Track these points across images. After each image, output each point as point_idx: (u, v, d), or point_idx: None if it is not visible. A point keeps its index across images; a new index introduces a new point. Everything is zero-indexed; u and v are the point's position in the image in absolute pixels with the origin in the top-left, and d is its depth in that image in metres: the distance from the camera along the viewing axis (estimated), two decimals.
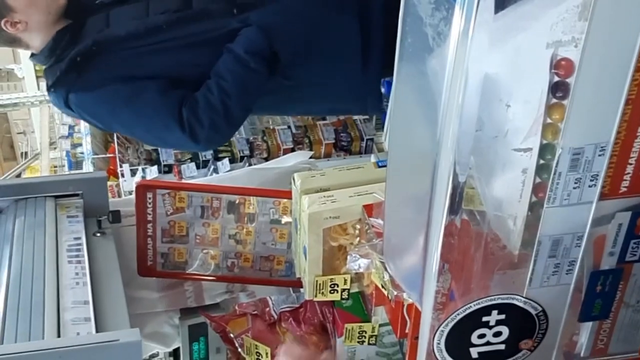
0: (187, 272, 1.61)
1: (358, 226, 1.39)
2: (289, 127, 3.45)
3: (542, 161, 0.70)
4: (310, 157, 3.47)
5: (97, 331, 1.22)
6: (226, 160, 3.36)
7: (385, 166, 1.42)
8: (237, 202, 1.53)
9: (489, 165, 0.76)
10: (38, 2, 1.72)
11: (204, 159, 3.40)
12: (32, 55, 1.85)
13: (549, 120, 0.68)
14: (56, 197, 1.60)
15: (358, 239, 1.39)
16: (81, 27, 1.76)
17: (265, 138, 3.44)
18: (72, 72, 1.70)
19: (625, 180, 0.72)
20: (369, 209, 1.36)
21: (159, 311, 1.73)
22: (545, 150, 0.70)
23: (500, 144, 0.71)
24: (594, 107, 0.67)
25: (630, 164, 0.71)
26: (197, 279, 1.63)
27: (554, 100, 0.68)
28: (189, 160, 3.39)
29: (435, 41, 0.73)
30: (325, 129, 3.47)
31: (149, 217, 1.53)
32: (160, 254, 1.58)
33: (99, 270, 1.47)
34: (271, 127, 3.47)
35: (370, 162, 1.49)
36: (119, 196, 3.52)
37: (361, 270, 1.21)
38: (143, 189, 1.50)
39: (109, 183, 3.62)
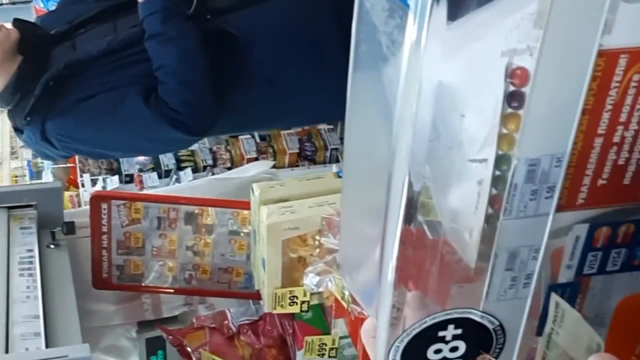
0: (143, 284, 1.57)
1: (318, 237, 1.37)
2: (253, 136, 3.43)
3: (497, 172, 0.69)
4: (274, 167, 3.47)
5: (47, 346, 1.19)
6: (189, 170, 3.33)
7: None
8: (194, 213, 1.50)
9: (444, 176, 0.74)
10: None
11: (166, 168, 3.36)
12: None
13: (504, 131, 0.66)
14: (9, 207, 1.56)
15: (318, 250, 1.37)
16: (45, 59, 1.72)
17: (228, 147, 3.41)
18: (46, 98, 1.66)
19: (582, 191, 0.71)
20: (328, 220, 1.34)
21: (115, 324, 1.70)
22: (501, 161, 0.68)
23: (455, 154, 0.69)
24: (549, 117, 0.66)
25: (587, 175, 0.70)
26: (154, 292, 1.60)
27: (509, 110, 0.66)
28: (150, 170, 3.36)
29: (389, 49, 0.71)
30: (290, 139, 3.46)
31: (104, 229, 1.49)
32: (115, 266, 1.55)
33: (52, 284, 1.44)
34: (235, 136, 3.45)
35: (331, 173, 1.47)
36: (79, 206, 3.48)
37: (320, 289, 1.19)
38: (97, 199, 1.47)
39: (69, 193, 3.57)
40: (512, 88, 0.64)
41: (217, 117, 1.66)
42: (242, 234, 1.53)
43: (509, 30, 0.61)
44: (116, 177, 3.32)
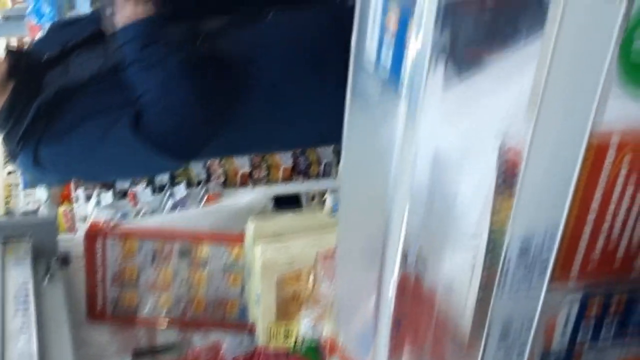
0: (138, 316, 1.58)
1: (312, 273, 1.38)
2: None
3: (491, 247, 0.69)
4: (268, 182, 3.47)
5: None
6: (182, 185, 3.33)
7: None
8: (189, 247, 1.50)
9: (439, 248, 0.75)
10: None
11: (160, 184, 3.36)
12: None
13: (498, 208, 0.67)
14: (4, 241, 1.56)
15: (312, 285, 1.38)
16: (38, 84, 1.71)
17: (222, 162, 3.41)
18: (38, 123, 1.65)
19: (576, 265, 0.71)
20: (322, 257, 1.34)
21: (111, 353, 1.70)
22: (495, 236, 0.68)
23: (450, 229, 0.70)
24: (542, 195, 0.66)
25: (580, 250, 0.71)
26: (149, 324, 1.60)
27: (503, 188, 0.66)
28: (144, 185, 3.35)
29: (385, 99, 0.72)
30: (283, 153, 3.45)
31: (99, 263, 1.50)
32: (110, 299, 1.55)
33: (47, 318, 1.44)
34: None
35: (325, 210, 1.48)
36: (73, 221, 3.47)
37: (316, 336, 1.19)
38: (92, 235, 1.47)
39: (63, 208, 3.57)
40: (505, 167, 0.65)
41: (205, 141, 1.64)
42: (236, 268, 1.53)
43: (502, 114, 0.62)
44: (110, 193, 3.32)
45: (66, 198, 3.44)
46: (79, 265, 1.58)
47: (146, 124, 1.59)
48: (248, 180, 3.43)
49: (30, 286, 1.46)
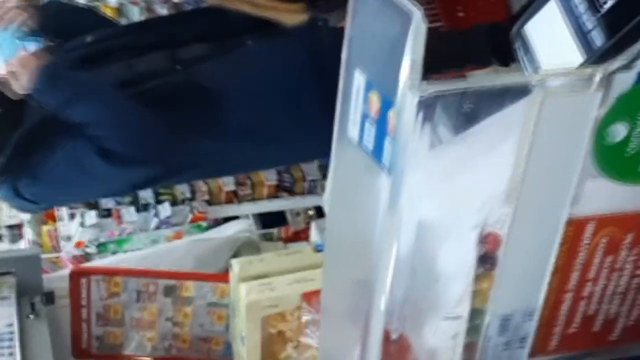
0: (123, 353, 1.58)
1: (297, 313, 1.39)
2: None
3: (472, 324, 0.70)
4: (252, 199, 3.47)
5: None
6: (167, 204, 3.32)
7: (322, 250, 1.42)
8: (173, 285, 1.51)
9: (419, 328, 0.76)
10: None
11: (144, 202, 3.35)
12: None
13: (478, 288, 0.68)
14: None
15: (297, 324, 1.39)
16: (20, 115, 1.72)
17: (207, 180, 3.40)
18: (19, 155, 1.65)
19: (554, 339, 0.73)
20: (307, 297, 1.35)
21: None
22: (475, 314, 0.70)
23: (430, 312, 0.71)
24: (521, 276, 0.68)
25: (558, 326, 0.72)
26: None
27: (482, 270, 0.68)
28: (128, 204, 3.35)
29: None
30: (268, 170, 3.45)
31: (83, 302, 1.50)
32: (95, 337, 1.56)
33: (32, 356, 1.44)
34: None
35: (309, 248, 1.49)
36: (57, 241, 3.46)
37: None
38: (77, 275, 1.48)
39: (47, 227, 3.55)
40: (484, 251, 0.66)
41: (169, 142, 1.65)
42: (220, 305, 1.54)
43: (480, 207, 0.63)
44: (94, 212, 3.31)
45: (50, 217, 3.43)
46: (64, 302, 1.58)
47: (110, 150, 1.60)
48: (233, 198, 3.43)
49: (15, 326, 1.47)
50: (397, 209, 0.69)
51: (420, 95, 0.58)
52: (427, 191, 0.69)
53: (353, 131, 0.71)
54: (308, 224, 3.46)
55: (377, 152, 0.71)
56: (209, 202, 3.43)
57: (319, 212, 3.38)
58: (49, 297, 1.57)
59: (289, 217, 3.56)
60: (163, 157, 1.71)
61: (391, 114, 0.67)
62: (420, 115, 0.62)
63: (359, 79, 0.69)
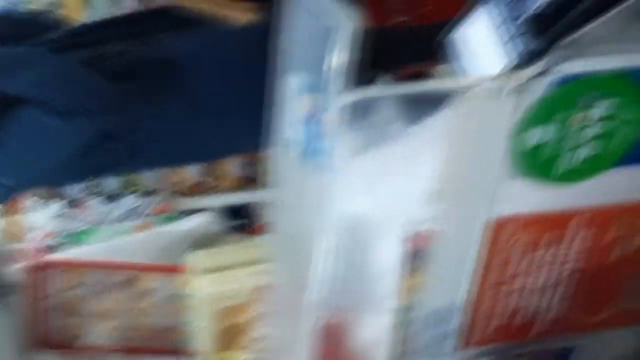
0: (83, 344, 1.60)
1: (253, 306, 1.41)
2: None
3: (401, 319, 0.74)
4: (217, 191, 3.47)
5: None
6: (133, 195, 3.32)
7: None
8: (133, 277, 1.53)
9: (353, 321, 0.79)
10: None
11: (110, 193, 3.35)
12: None
13: (407, 284, 0.72)
14: None
15: (254, 317, 1.41)
16: None
17: (171, 172, 3.40)
18: None
19: (479, 333, 0.76)
20: (262, 290, 1.37)
21: None
22: (404, 309, 0.73)
23: (362, 305, 0.74)
24: (447, 273, 0.71)
25: (483, 320, 0.76)
26: (94, 351, 1.62)
27: (411, 267, 0.71)
28: (95, 195, 3.34)
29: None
30: (234, 162, 3.46)
31: (43, 294, 1.51)
32: (55, 329, 1.57)
33: None
34: None
35: (267, 239, 1.50)
36: (22, 232, 3.44)
37: None
38: (36, 267, 1.49)
39: (11, 218, 3.54)
40: (413, 248, 0.69)
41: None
42: (180, 297, 1.56)
43: (407, 208, 0.66)
44: (59, 203, 3.30)
45: (15, 208, 3.41)
46: (24, 294, 1.59)
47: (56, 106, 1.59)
48: (198, 189, 3.44)
49: None
50: (330, 207, 0.72)
51: (344, 100, 0.61)
52: (357, 191, 0.72)
53: (288, 132, 0.74)
54: None
55: (311, 153, 0.74)
56: (175, 194, 3.44)
57: None
58: (9, 289, 1.58)
59: (255, 208, 3.58)
60: (114, 114, 1.68)
61: (324, 116, 0.70)
62: (348, 118, 0.64)
63: (292, 81, 0.72)
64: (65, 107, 1.62)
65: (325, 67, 0.67)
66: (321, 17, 0.66)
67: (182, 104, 1.76)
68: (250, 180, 3.42)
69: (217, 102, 1.81)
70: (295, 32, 0.70)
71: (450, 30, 0.76)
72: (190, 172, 3.25)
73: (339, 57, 0.64)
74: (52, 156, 1.83)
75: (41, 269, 1.50)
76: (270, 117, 0.78)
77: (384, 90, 0.63)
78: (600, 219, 0.72)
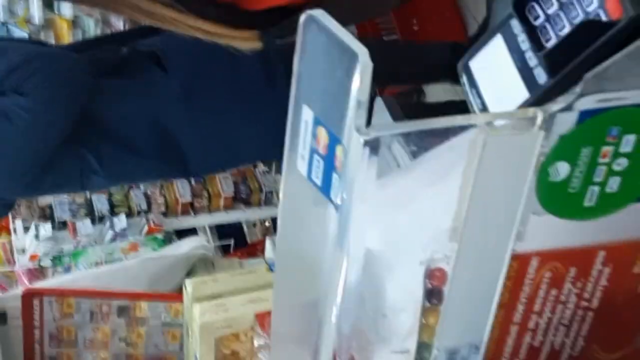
0: None
1: (251, 334, 1.38)
2: (188, 180, 3.41)
3: (419, 358, 0.71)
4: (209, 211, 3.45)
5: None
6: (122, 216, 3.30)
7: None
8: (127, 306, 1.50)
9: (371, 350, 0.76)
10: None
11: (99, 214, 3.33)
12: None
13: (425, 323, 0.69)
14: None
15: (251, 345, 1.39)
16: None
17: (163, 192, 3.39)
18: None
19: None
20: (260, 318, 1.35)
21: None
22: (422, 349, 0.70)
23: (378, 345, 0.72)
24: (467, 311, 0.69)
25: (504, 359, 0.73)
26: None
27: (429, 305, 0.68)
28: (84, 216, 3.32)
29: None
30: (224, 182, 3.45)
31: (36, 324, 1.48)
32: (48, 358, 1.54)
33: None
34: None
35: (263, 267, 1.49)
36: (12, 254, 3.41)
37: None
38: (29, 295, 1.46)
39: (1, 240, 3.50)
40: (430, 286, 0.66)
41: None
42: (174, 325, 1.53)
43: (426, 243, 0.63)
44: (49, 225, 3.27)
45: (4, 229, 3.38)
46: (16, 323, 1.56)
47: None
48: (189, 209, 3.42)
49: None
50: (345, 242, 0.70)
51: (365, 138, 0.58)
52: (373, 224, 0.70)
53: (302, 165, 0.71)
54: (265, 235, 3.47)
55: (326, 186, 0.71)
56: (165, 214, 3.42)
57: (276, 223, 3.38)
58: (1, 318, 1.55)
59: (245, 228, 3.56)
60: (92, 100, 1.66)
61: (339, 150, 0.67)
62: (366, 154, 0.62)
63: (307, 114, 0.70)
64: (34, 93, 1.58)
65: (340, 102, 0.65)
66: (336, 53, 0.64)
67: (172, 96, 1.74)
68: (241, 200, 3.40)
69: (210, 96, 1.78)
70: (310, 66, 0.68)
71: (467, 57, 0.74)
72: (181, 192, 3.24)
73: (357, 95, 0.62)
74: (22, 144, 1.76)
75: (35, 297, 1.47)
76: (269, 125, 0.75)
77: (406, 128, 0.60)
78: (625, 253, 0.70)
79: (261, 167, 3.57)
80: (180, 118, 1.73)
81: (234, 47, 1.60)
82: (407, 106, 1.74)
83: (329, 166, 0.69)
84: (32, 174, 1.62)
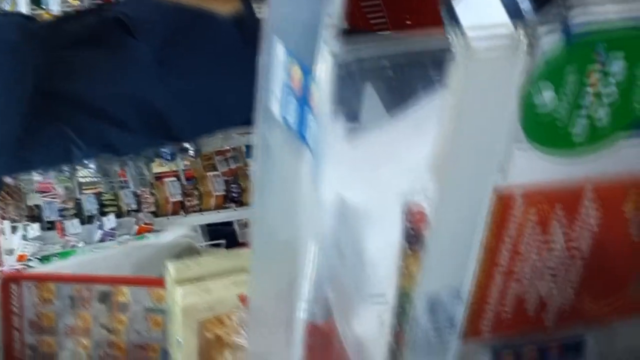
0: None
1: (234, 317, 1.35)
2: (179, 179, 3.37)
3: (399, 309, 0.67)
4: (200, 211, 3.41)
5: None
6: (112, 216, 3.25)
7: None
8: (108, 291, 1.46)
9: (349, 301, 0.73)
10: None
11: (88, 214, 3.28)
12: None
13: (405, 271, 0.65)
14: None
15: (235, 328, 1.35)
16: None
17: (153, 191, 3.34)
18: None
19: (485, 321, 0.70)
20: (244, 300, 1.31)
21: None
22: (403, 299, 0.67)
23: (357, 295, 0.68)
24: (448, 253, 0.65)
25: (489, 308, 0.69)
26: None
27: (410, 252, 0.65)
28: (72, 217, 3.27)
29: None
30: (216, 180, 3.41)
31: (15, 310, 1.44)
32: (28, 346, 1.50)
33: None
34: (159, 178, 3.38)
35: (247, 250, 1.45)
36: None
37: None
38: (7, 281, 1.42)
39: None
40: (411, 230, 0.63)
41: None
42: (157, 311, 1.49)
43: (407, 173, 0.60)
44: (37, 225, 3.23)
45: None
46: None
47: None
48: (180, 209, 3.38)
49: None
50: (320, 188, 0.66)
51: (336, 56, 0.55)
52: (350, 169, 0.66)
53: (276, 106, 0.68)
54: None
55: (301, 128, 0.68)
56: (155, 214, 3.37)
57: None
58: None
59: (236, 227, 3.52)
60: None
61: (314, 87, 0.64)
62: (340, 82, 0.59)
63: (279, 49, 0.66)
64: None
65: (314, 34, 0.61)
66: None
67: (144, 64, 1.70)
68: (232, 199, 3.36)
69: (184, 60, 1.75)
70: None
71: None
72: (172, 192, 3.20)
73: (331, 18, 0.59)
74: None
75: (13, 282, 1.43)
76: (251, 86, 0.71)
77: (382, 47, 0.57)
78: (615, 193, 0.66)
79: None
80: (155, 84, 1.69)
81: (212, 11, 1.57)
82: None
83: (304, 106, 0.65)
84: (7, 153, 1.59)
